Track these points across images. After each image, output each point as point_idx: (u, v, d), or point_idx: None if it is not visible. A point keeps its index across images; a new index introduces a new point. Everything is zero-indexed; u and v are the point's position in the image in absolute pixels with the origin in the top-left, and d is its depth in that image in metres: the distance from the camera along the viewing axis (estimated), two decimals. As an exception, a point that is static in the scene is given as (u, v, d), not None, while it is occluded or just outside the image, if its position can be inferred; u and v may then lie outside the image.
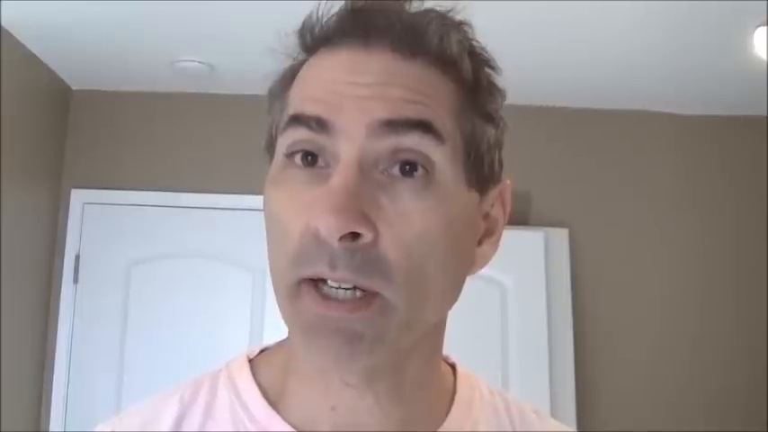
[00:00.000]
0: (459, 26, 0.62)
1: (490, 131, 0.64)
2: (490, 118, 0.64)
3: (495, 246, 0.67)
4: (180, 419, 0.68)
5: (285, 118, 0.60)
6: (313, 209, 0.55)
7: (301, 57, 0.64)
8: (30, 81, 3.06)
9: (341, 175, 0.55)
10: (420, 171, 0.57)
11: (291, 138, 0.59)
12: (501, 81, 0.65)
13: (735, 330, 3.28)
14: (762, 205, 3.34)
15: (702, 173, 3.42)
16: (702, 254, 3.36)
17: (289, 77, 0.64)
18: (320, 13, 0.62)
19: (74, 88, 3.41)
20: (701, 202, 3.40)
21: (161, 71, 3.16)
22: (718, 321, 3.30)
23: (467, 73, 0.61)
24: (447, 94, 0.60)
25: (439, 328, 0.67)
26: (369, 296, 0.56)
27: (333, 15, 0.62)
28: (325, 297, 0.56)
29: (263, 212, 0.63)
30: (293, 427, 0.65)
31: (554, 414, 3.39)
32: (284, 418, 0.65)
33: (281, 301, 0.59)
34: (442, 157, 0.58)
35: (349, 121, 0.56)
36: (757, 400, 3.19)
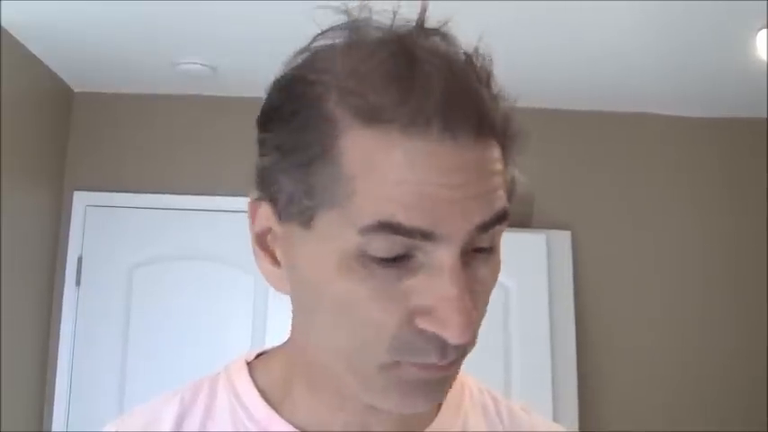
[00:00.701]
0: (497, 79, 0.61)
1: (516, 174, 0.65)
2: (516, 164, 0.65)
3: None
4: (180, 420, 0.70)
5: (362, 217, 0.55)
6: (411, 301, 0.56)
7: (335, 107, 0.56)
8: (31, 83, 3.07)
9: (456, 285, 0.55)
10: (489, 247, 0.60)
11: (381, 243, 0.55)
12: (505, 87, 0.65)
13: (735, 331, 3.28)
14: (762, 207, 3.34)
15: (704, 175, 3.42)
16: (703, 256, 3.36)
17: (325, 131, 0.56)
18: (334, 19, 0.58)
19: (75, 90, 3.41)
20: (702, 205, 3.40)
21: (163, 73, 3.16)
22: (719, 323, 3.30)
23: (512, 135, 0.62)
24: (501, 161, 0.60)
25: None
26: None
27: (384, 67, 0.55)
28: (426, 365, 0.59)
29: (310, 288, 0.60)
30: (294, 425, 0.67)
31: (557, 415, 3.38)
32: (284, 418, 0.68)
33: (363, 373, 0.59)
34: (503, 230, 0.60)
35: (451, 229, 0.55)
36: (757, 400, 3.19)
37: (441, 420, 0.70)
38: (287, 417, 0.68)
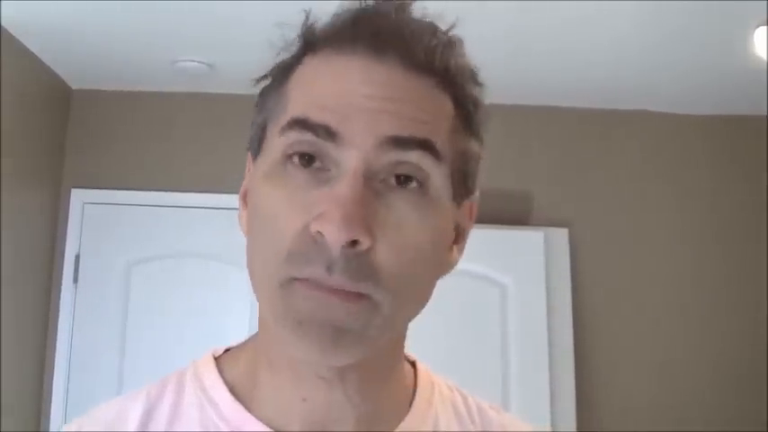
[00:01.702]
0: (459, 44, 0.64)
1: (477, 149, 0.67)
2: (479, 136, 0.67)
3: (462, 252, 0.71)
4: (147, 417, 0.69)
5: (286, 118, 0.60)
6: (314, 211, 0.57)
7: (298, 51, 0.64)
8: (30, 81, 3.06)
9: (348, 185, 0.57)
10: (414, 183, 0.60)
11: (293, 139, 0.59)
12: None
13: (735, 330, 3.28)
14: (762, 205, 3.34)
15: (702, 172, 3.42)
16: (702, 253, 3.36)
17: (284, 71, 0.65)
18: (328, 14, 0.63)
19: (74, 88, 3.41)
20: (700, 202, 3.40)
21: (161, 71, 3.16)
22: (719, 321, 3.30)
23: (466, 93, 0.64)
24: (447, 113, 0.63)
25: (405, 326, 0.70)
26: (358, 295, 0.58)
27: (341, 16, 0.62)
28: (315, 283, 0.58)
29: (248, 207, 0.66)
30: (262, 422, 0.66)
31: (554, 413, 3.38)
32: (253, 414, 0.67)
33: (268, 294, 0.60)
34: (438, 173, 0.61)
35: (358, 133, 0.58)
36: (757, 400, 3.19)
37: (412, 418, 0.70)
38: (254, 409, 0.67)
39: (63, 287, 3.26)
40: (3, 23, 2.73)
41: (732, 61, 2.85)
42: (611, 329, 3.29)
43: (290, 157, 0.60)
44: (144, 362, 3.19)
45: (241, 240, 0.66)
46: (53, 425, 3.15)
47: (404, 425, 0.69)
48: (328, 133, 0.58)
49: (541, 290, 3.16)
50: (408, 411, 0.70)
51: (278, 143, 0.61)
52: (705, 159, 3.43)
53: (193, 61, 3.06)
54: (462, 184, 0.65)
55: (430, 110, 0.61)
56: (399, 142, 0.58)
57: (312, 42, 0.63)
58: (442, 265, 0.67)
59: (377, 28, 0.60)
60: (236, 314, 3.23)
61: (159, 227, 3.32)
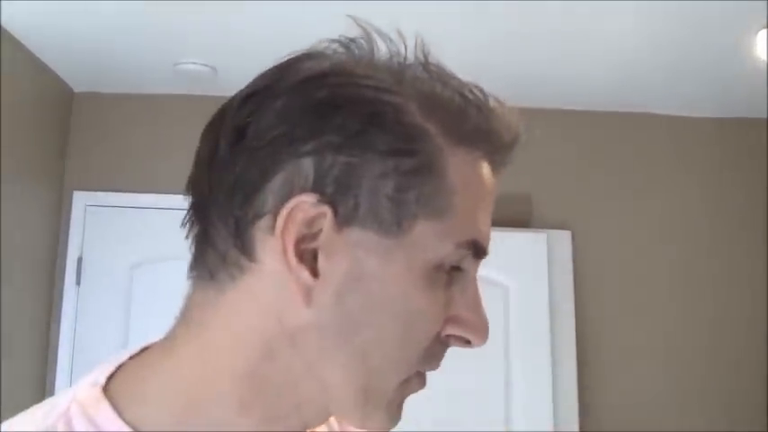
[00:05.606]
0: None
1: None
2: None
3: None
4: None
5: (464, 236, 0.58)
6: (447, 312, 0.59)
7: (439, 133, 0.57)
8: (32, 83, 3.07)
9: (480, 293, 0.62)
10: None
11: (464, 258, 0.60)
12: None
13: (736, 331, 3.28)
14: (762, 207, 3.34)
15: (704, 175, 3.42)
16: (704, 256, 3.36)
17: (429, 142, 0.56)
18: (481, 102, 0.60)
19: (76, 90, 3.41)
20: (702, 204, 3.40)
21: (163, 73, 3.16)
22: (720, 323, 3.30)
23: None
24: None
25: None
26: None
27: (482, 110, 0.59)
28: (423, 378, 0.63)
29: (367, 291, 0.56)
30: None
31: (557, 415, 3.36)
32: None
33: (386, 387, 0.58)
34: None
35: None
36: (757, 400, 3.19)
37: None
38: None
39: (65, 289, 3.26)
40: (5, 25, 2.73)
41: (734, 64, 2.84)
42: (613, 331, 3.29)
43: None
44: (146, 364, 3.18)
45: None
46: (55, 427, 3.14)
47: None
48: (485, 254, 0.62)
49: (544, 292, 3.16)
50: None
51: (447, 252, 0.57)
52: (707, 162, 3.43)
53: (195, 64, 3.07)
54: None
55: None
56: None
57: (451, 127, 0.57)
58: None
59: (510, 140, 0.62)
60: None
61: (161, 229, 3.31)
